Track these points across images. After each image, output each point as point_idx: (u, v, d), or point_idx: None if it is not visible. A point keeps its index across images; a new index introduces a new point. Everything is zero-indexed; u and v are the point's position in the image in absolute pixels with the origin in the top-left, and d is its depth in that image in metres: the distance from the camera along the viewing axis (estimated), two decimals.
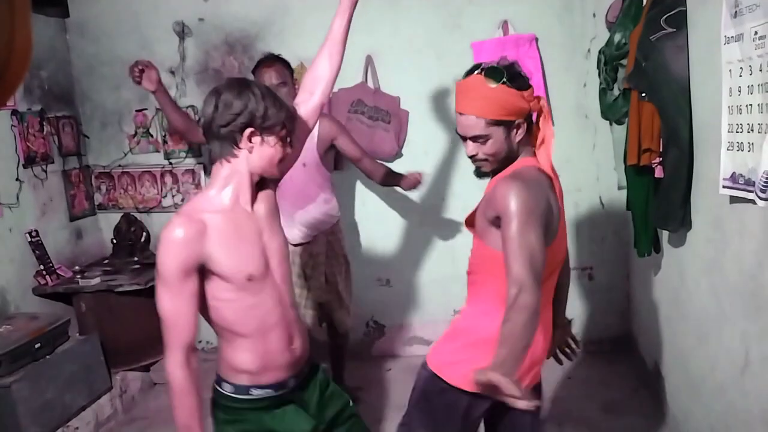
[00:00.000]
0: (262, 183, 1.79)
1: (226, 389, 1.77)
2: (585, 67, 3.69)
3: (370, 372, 3.89)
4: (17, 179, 3.58)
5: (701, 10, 2.25)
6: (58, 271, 3.72)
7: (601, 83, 3.28)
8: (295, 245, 3.10)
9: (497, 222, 1.69)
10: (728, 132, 2.00)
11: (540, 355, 1.88)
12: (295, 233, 3.09)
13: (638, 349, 3.65)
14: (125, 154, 4.19)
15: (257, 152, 1.71)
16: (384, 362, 4.03)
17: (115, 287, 3.57)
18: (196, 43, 3.99)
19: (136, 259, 3.98)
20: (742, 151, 1.90)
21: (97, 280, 3.62)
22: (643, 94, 2.58)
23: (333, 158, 3.23)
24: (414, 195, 3.95)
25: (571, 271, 3.78)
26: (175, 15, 3.96)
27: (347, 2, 1.98)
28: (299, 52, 3.57)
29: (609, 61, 3.09)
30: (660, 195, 2.61)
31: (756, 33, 1.78)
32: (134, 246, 4.08)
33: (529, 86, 1.78)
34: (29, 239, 3.60)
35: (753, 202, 1.79)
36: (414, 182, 3.11)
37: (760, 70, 1.77)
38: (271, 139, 1.71)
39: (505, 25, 3.68)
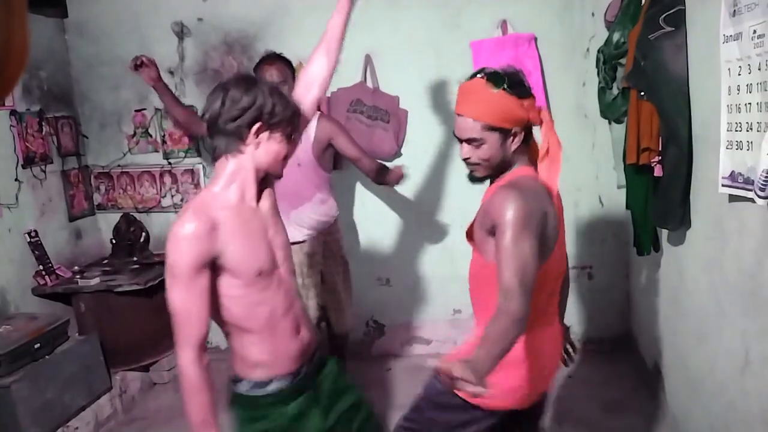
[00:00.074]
0: (263, 180, 1.79)
1: (243, 387, 1.77)
2: (584, 67, 3.69)
3: (370, 372, 3.89)
4: (16, 179, 3.58)
5: (700, 8, 2.25)
6: (57, 272, 3.72)
7: (600, 82, 3.28)
8: (292, 244, 3.10)
9: (494, 231, 1.67)
10: (727, 131, 1.99)
11: (551, 367, 1.89)
12: (290, 232, 3.08)
13: (638, 348, 3.66)
14: (124, 155, 4.19)
15: (264, 148, 1.70)
16: (384, 362, 4.03)
17: (114, 287, 3.57)
18: (195, 43, 3.99)
19: (135, 259, 3.98)
20: (741, 149, 1.90)
21: (97, 280, 3.62)
22: (642, 93, 2.58)
23: (331, 158, 3.21)
24: (414, 194, 3.96)
25: (571, 270, 3.79)
26: (174, 15, 3.96)
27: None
28: (298, 52, 3.56)
29: (608, 60, 3.09)
30: (659, 194, 2.61)
31: (755, 32, 1.77)
32: (133, 246, 4.08)
33: (531, 96, 1.76)
34: (28, 239, 3.60)
35: (752, 200, 1.79)
36: (398, 177, 3.06)
37: (759, 69, 1.76)
38: (278, 135, 1.71)
39: (504, 24, 3.68)
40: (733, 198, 2.03)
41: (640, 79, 2.58)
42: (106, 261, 4.07)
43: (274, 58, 3.04)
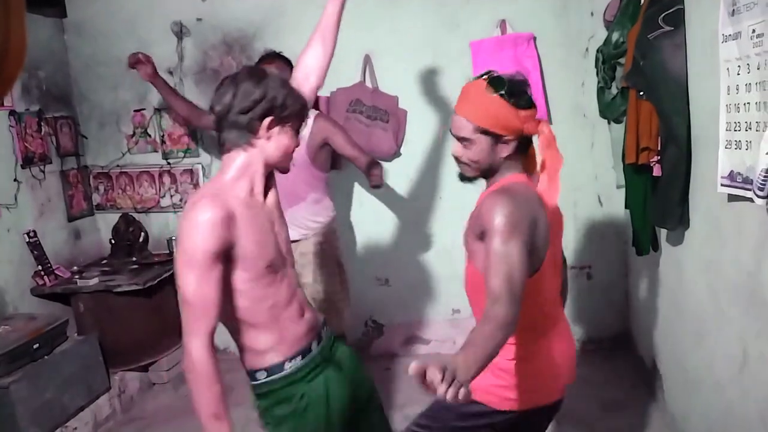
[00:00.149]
0: (269, 175, 1.79)
1: (261, 377, 1.76)
2: (583, 66, 3.69)
3: (369, 371, 3.88)
4: (15, 180, 3.58)
5: (699, 8, 2.26)
6: (56, 272, 3.72)
7: (599, 82, 3.29)
8: None
9: (484, 236, 1.66)
10: (726, 130, 2.00)
11: (564, 371, 1.89)
12: None
13: (637, 347, 3.66)
14: (123, 155, 4.19)
15: (274, 142, 1.70)
16: (383, 362, 4.03)
17: (113, 287, 3.56)
18: (194, 43, 3.99)
19: (134, 259, 3.98)
20: (740, 149, 1.90)
21: (96, 280, 3.62)
22: (641, 93, 2.58)
23: (328, 158, 3.18)
24: (412, 194, 3.96)
25: (570, 270, 3.82)
26: (172, 15, 3.96)
27: None
28: (297, 51, 3.49)
29: (607, 59, 3.10)
30: (658, 193, 2.62)
31: (754, 31, 1.78)
32: (132, 246, 4.08)
33: (531, 107, 1.73)
34: (27, 240, 3.60)
35: (751, 200, 1.79)
36: (377, 179, 2.99)
37: (758, 68, 1.77)
38: (288, 129, 1.71)
39: (503, 24, 3.69)
40: (731, 197, 2.03)
41: (639, 78, 2.58)
42: (105, 261, 4.07)
43: (274, 57, 3.05)
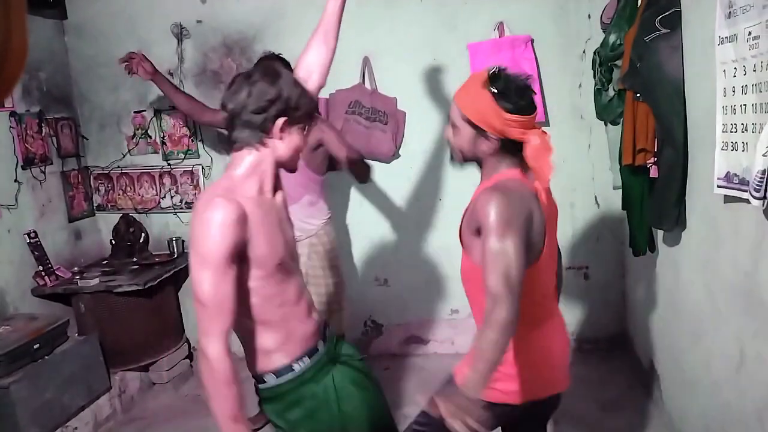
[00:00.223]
0: (276, 175, 1.79)
1: (271, 381, 1.75)
2: (580, 68, 3.71)
3: None
4: (16, 180, 3.59)
5: (695, 11, 2.27)
6: (56, 272, 3.73)
7: (596, 84, 3.30)
8: None
9: (479, 232, 1.68)
10: (722, 132, 2.01)
11: (559, 363, 1.90)
12: None
13: (634, 347, 3.68)
14: (124, 156, 4.21)
15: (286, 141, 1.70)
16: (382, 361, 4.04)
17: (114, 288, 3.57)
18: (194, 45, 4.01)
19: (134, 259, 3.99)
20: (737, 150, 1.91)
21: (96, 280, 3.62)
22: (638, 95, 2.60)
23: (324, 161, 3.14)
24: (411, 195, 3.97)
25: (568, 270, 3.84)
26: (172, 17, 3.98)
27: None
28: (296, 53, 3.53)
29: (604, 61, 3.11)
30: (655, 194, 2.63)
31: (750, 33, 1.79)
32: (133, 247, 4.09)
33: (519, 113, 1.69)
34: (28, 240, 3.61)
35: (747, 201, 1.80)
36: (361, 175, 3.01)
37: (754, 70, 1.78)
38: (299, 129, 1.71)
39: (500, 26, 3.70)
40: (728, 199, 2.05)
41: (635, 80, 2.60)
42: (105, 261, 4.08)
43: (273, 59, 3.05)
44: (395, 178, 3.95)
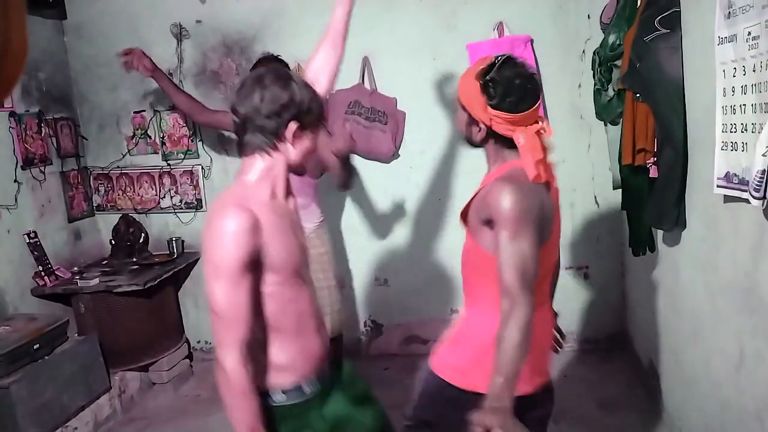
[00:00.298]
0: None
1: (279, 398, 1.70)
2: (580, 68, 3.72)
3: (368, 371, 3.87)
4: (15, 181, 3.59)
5: (695, 11, 2.28)
6: (56, 272, 3.73)
7: (595, 84, 3.30)
8: None
9: (490, 223, 1.67)
10: (722, 132, 2.01)
11: (544, 348, 1.90)
12: None
13: (633, 346, 3.68)
14: (123, 156, 4.21)
15: (298, 145, 1.67)
16: (382, 361, 4.05)
17: (113, 288, 3.57)
18: (193, 45, 4.01)
19: (134, 259, 3.99)
20: (736, 150, 1.92)
21: (96, 280, 3.63)
22: (638, 95, 2.60)
23: (319, 164, 3.08)
24: (411, 195, 3.97)
25: (567, 270, 3.85)
26: (172, 17, 3.98)
27: None
28: (295, 54, 3.58)
29: (603, 62, 3.11)
30: (655, 194, 2.63)
31: (749, 33, 1.79)
32: (133, 247, 4.09)
33: (503, 110, 1.68)
34: (28, 240, 3.61)
35: (747, 201, 1.80)
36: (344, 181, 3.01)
37: (754, 71, 1.78)
38: (310, 133, 1.69)
39: (500, 26, 3.71)
40: (728, 199, 2.05)
41: (635, 80, 2.60)
42: (105, 262, 4.08)
43: (271, 60, 3.05)
44: (395, 178, 3.96)
